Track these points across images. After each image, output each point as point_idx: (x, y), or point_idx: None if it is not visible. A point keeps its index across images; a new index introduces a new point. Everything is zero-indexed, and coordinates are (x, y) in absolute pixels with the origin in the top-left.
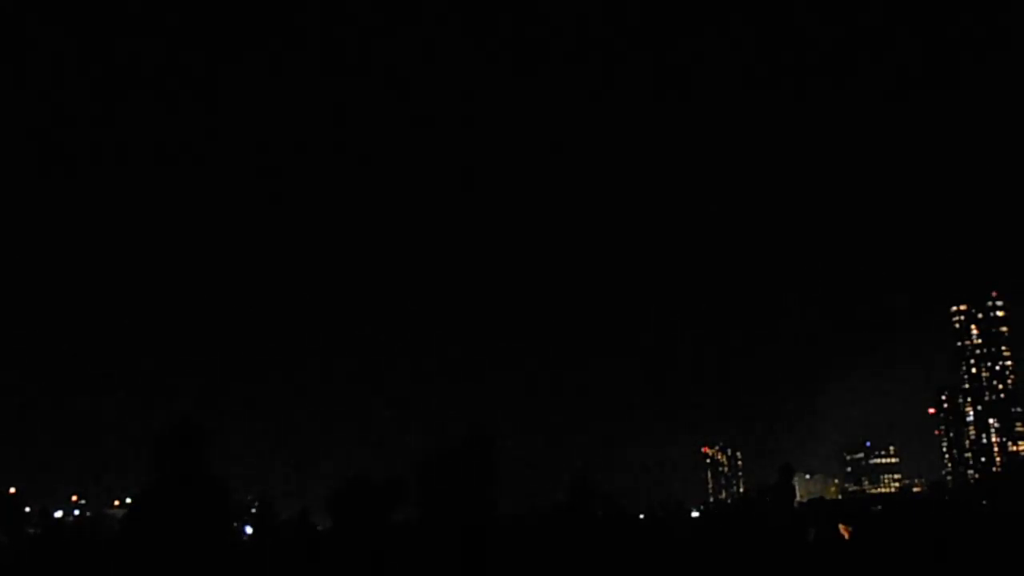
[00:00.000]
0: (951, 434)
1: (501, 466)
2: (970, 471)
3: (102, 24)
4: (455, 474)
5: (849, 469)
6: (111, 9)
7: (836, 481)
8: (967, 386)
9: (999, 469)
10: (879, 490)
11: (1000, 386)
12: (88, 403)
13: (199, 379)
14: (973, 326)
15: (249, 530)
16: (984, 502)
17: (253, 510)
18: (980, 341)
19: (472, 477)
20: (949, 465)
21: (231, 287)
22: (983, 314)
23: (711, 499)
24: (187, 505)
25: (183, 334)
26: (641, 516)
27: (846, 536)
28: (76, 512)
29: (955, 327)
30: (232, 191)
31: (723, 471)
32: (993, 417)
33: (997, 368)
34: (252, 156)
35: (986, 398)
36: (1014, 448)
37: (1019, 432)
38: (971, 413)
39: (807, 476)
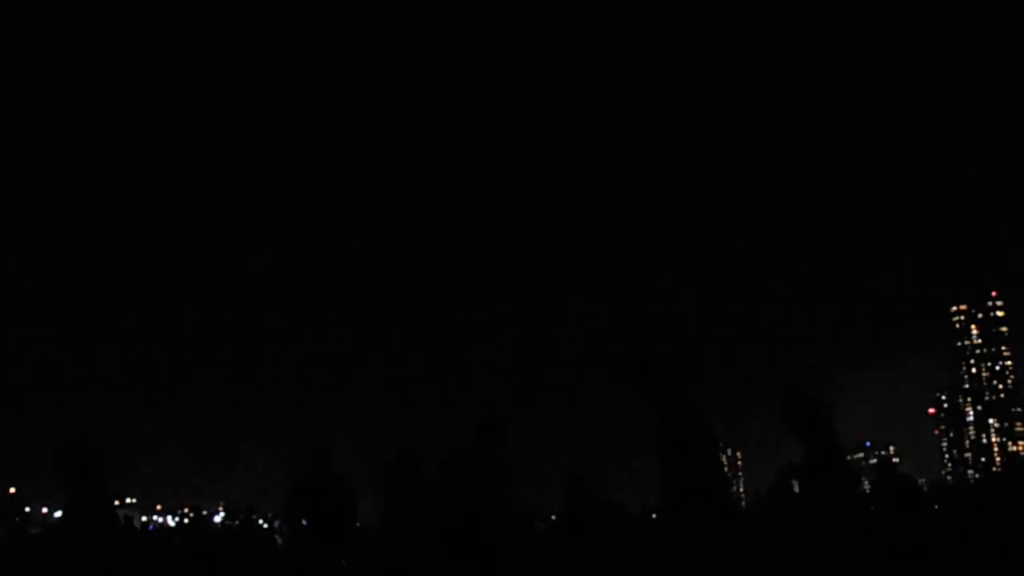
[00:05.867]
0: (951, 434)
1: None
2: (970, 471)
3: (104, 22)
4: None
5: None
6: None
7: None
8: (967, 386)
9: (999, 469)
10: None
11: (1000, 386)
12: (88, 403)
13: (199, 379)
14: (973, 326)
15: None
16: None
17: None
18: (980, 341)
19: (482, 475)
20: (949, 465)
21: (231, 287)
22: (983, 314)
23: None
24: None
25: (183, 334)
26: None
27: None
28: None
29: (955, 327)
30: (232, 191)
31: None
32: (993, 417)
33: (997, 368)
34: (254, 157)
35: (986, 398)
36: (1014, 448)
37: (1019, 432)
38: (971, 413)
39: None
